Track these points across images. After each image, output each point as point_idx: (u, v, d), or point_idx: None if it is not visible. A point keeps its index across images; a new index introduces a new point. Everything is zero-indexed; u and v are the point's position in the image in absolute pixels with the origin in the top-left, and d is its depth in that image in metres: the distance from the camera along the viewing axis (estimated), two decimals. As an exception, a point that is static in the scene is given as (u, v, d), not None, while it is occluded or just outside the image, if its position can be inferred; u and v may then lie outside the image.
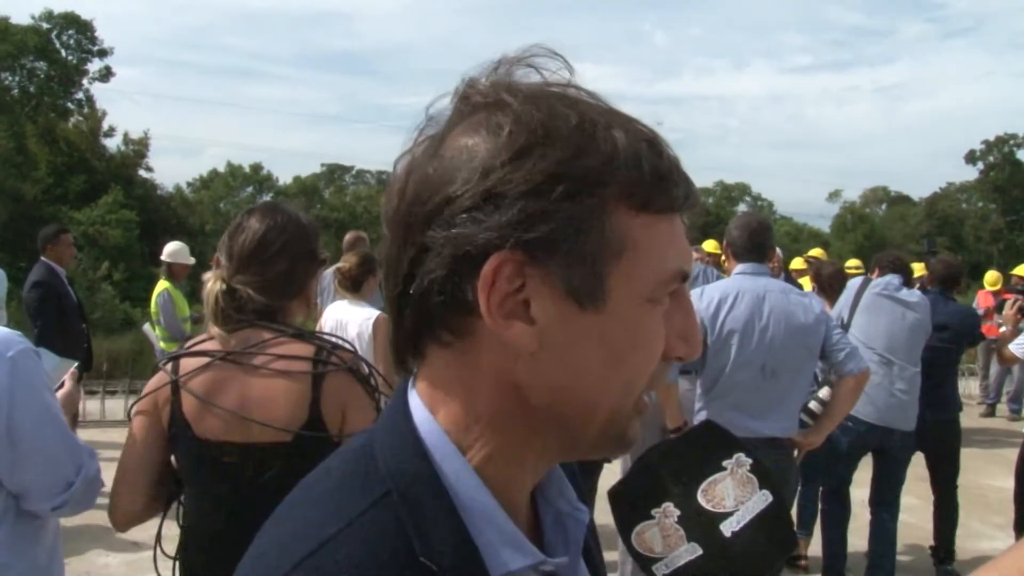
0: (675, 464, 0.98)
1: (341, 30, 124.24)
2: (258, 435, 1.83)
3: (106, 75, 41.82)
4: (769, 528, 0.94)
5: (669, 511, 0.95)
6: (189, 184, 55.31)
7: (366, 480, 0.70)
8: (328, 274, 5.80)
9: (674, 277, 0.71)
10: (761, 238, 3.72)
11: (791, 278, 8.06)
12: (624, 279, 0.68)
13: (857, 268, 8.45)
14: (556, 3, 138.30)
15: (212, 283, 1.96)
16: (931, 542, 5.34)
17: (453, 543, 0.67)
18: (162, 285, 7.67)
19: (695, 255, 6.41)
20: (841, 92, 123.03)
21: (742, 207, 66.22)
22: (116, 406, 9.50)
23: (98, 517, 6.31)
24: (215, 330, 1.92)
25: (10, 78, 38.74)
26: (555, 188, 0.65)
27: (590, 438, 0.73)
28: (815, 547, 5.15)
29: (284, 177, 59.33)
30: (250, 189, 56.18)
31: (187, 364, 1.91)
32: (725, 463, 0.98)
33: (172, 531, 2.02)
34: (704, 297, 3.60)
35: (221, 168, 56.22)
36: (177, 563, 1.99)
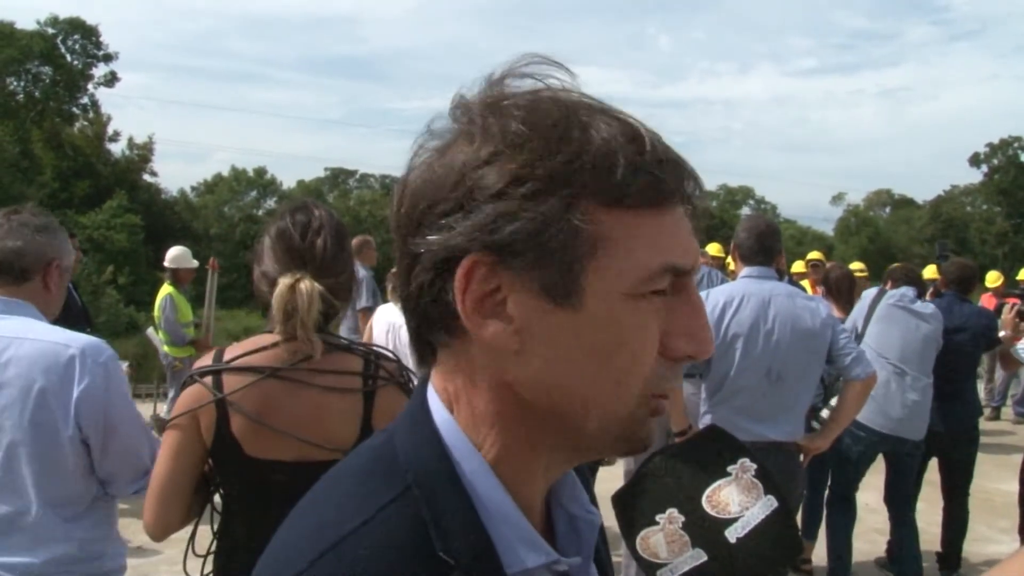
0: (679, 469, 0.97)
1: (345, 35, 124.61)
2: (310, 454, 1.76)
3: (111, 80, 42.01)
4: (774, 534, 0.94)
5: (673, 517, 0.94)
6: (193, 188, 55.49)
7: (387, 476, 0.72)
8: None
9: (659, 272, 0.69)
10: (768, 241, 3.70)
11: (793, 281, 8.04)
12: (599, 276, 0.68)
13: (861, 271, 8.40)
14: (560, 7, 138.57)
15: (305, 283, 1.79)
16: (937, 547, 5.32)
17: (470, 539, 0.69)
18: (166, 290, 7.69)
19: (699, 259, 6.41)
20: (846, 95, 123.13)
21: (746, 210, 66.21)
22: (120, 410, 9.51)
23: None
24: (263, 340, 1.83)
25: (15, 83, 38.90)
26: (519, 189, 0.66)
27: (592, 437, 0.73)
28: (820, 551, 5.14)
29: (288, 181, 59.50)
30: (254, 193, 56.32)
31: (232, 380, 1.80)
32: (729, 468, 0.97)
33: (182, 533, 1.98)
34: (709, 300, 3.59)
35: (225, 173, 56.38)
36: (207, 563, 1.94)
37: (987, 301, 9.64)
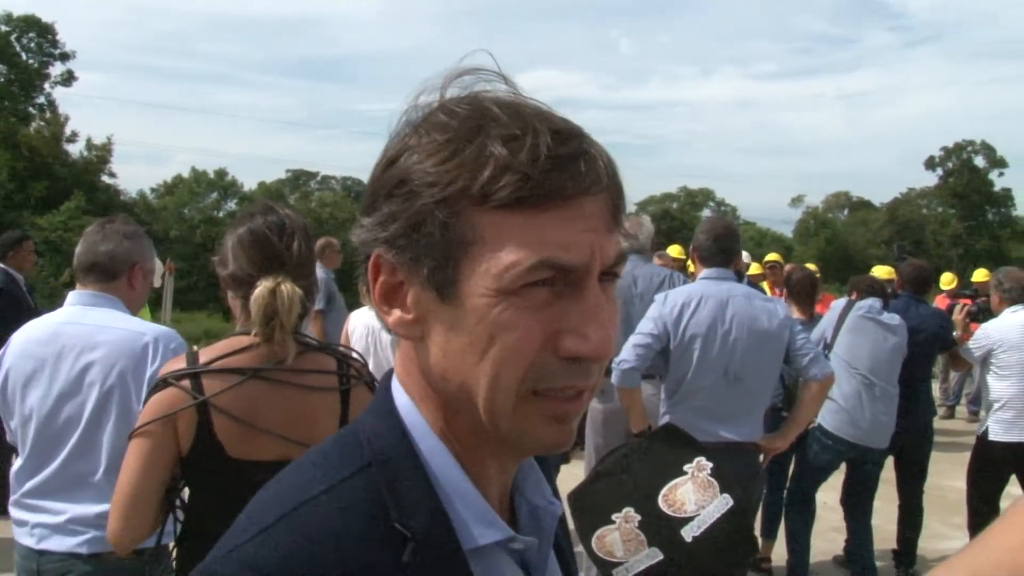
0: (635, 468, 0.98)
1: (310, 36, 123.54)
2: (292, 452, 1.74)
3: (68, 79, 41.21)
4: (730, 533, 0.95)
5: (630, 516, 0.95)
6: (153, 190, 54.69)
7: (349, 454, 0.76)
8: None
9: (531, 269, 0.68)
10: (726, 243, 3.75)
11: (751, 283, 8.13)
12: (472, 272, 0.70)
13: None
14: (524, 11, 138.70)
15: (287, 287, 1.81)
16: (894, 544, 5.41)
17: (427, 513, 0.72)
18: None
19: (659, 260, 6.44)
20: (806, 99, 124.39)
21: (706, 212, 66.74)
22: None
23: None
24: (238, 342, 1.83)
25: (-32, 82, 38.06)
26: (400, 191, 0.72)
27: (491, 430, 0.74)
28: (779, 550, 5.20)
29: (249, 183, 58.81)
30: (214, 195, 55.65)
31: (213, 383, 1.79)
32: (686, 467, 0.99)
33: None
34: (668, 301, 3.62)
35: (186, 174, 55.64)
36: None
37: (941, 302, 9.81)
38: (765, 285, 8.07)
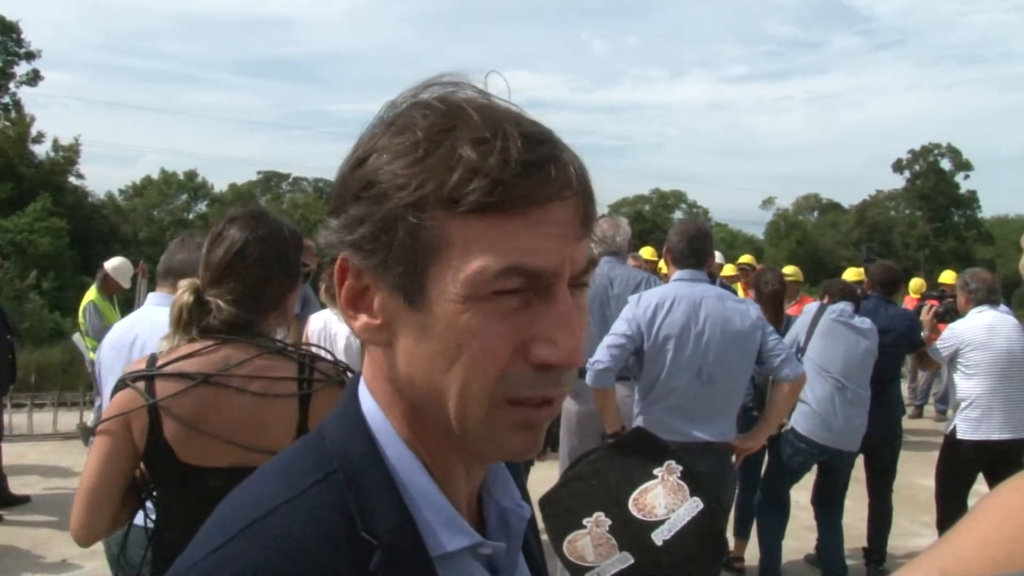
0: (606, 472, 0.98)
1: (279, 37, 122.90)
2: (245, 459, 1.75)
3: (34, 79, 40.72)
4: (700, 536, 0.95)
5: (601, 520, 0.95)
6: (122, 191, 54.15)
7: (313, 460, 0.75)
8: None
9: (499, 274, 0.67)
10: (699, 244, 3.77)
11: (724, 284, 8.16)
12: (440, 278, 0.69)
13: (792, 276, 8.38)
14: (494, 12, 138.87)
15: (182, 293, 1.89)
16: (864, 543, 5.46)
17: (394, 520, 0.71)
18: (90, 296, 7.46)
19: (632, 262, 6.46)
20: (775, 101, 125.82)
21: (678, 214, 67.18)
22: (44, 419, 9.19)
23: (22, 537, 6.12)
24: (195, 346, 1.84)
25: (-69, 81, 37.45)
26: (367, 193, 0.70)
27: (460, 437, 0.73)
28: (752, 549, 5.23)
29: (220, 184, 58.39)
30: (184, 196, 55.19)
31: (165, 386, 1.80)
32: (656, 471, 0.99)
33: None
34: (641, 303, 3.63)
35: (155, 175, 55.13)
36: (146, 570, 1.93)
37: (909, 303, 9.93)
38: (738, 287, 8.11)
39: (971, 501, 4.99)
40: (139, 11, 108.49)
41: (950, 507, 4.95)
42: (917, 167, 62.59)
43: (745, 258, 9.33)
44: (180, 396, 1.78)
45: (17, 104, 40.21)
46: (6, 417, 7.87)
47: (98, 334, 7.35)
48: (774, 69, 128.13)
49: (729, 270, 8.86)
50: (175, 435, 1.78)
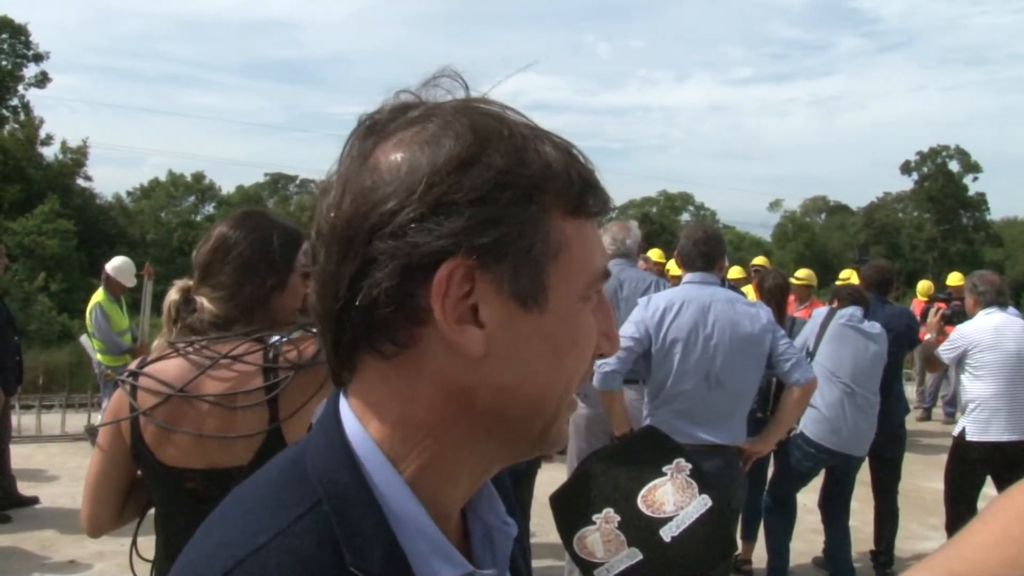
0: (616, 470, 0.99)
1: (285, 39, 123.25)
2: (218, 459, 1.78)
3: (42, 81, 40.92)
4: (707, 533, 0.95)
5: (610, 517, 0.95)
6: (129, 193, 54.32)
7: (296, 490, 0.71)
8: None
9: (600, 275, 0.75)
10: (708, 247, 3.76)
11: (732, 287, 8.14)
12: (561, 279, 0.71)
13: (800, 280, 8.29)
14: (499, 14, 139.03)
15: (171, 292, 1.94)
16: (871, 545, 5.45)
17: (383, 552, 0.68)
18: (96, 298, 7.49)
19: (642, 264, 6.47)
20: (780, 104, 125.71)
21: (686, 216, 67.18)
22: (53, 420, 9.23)
23: (30, 538, 6.14)
24: (174, 348, 1.87)
25: (-59, 84, 37.64)
26: (502, 195, 0.68)
27: (531, 437, 0.75)
28: (759, 551, 5.23)
29: (227, 186, 58.55)
30: (192, 199, 55.32)
31: (144, 396, 1.83)
32: (665, 468, 0.99)
33: (116, 545, 1.96)
34: (649, 306, 3.63)
35: (162, 178, 55.30)
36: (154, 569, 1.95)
37: (916, 306, 9.92)
38: (749, 289, 8.09)
39: (980, 504, 4.98)
40: (142, 14, 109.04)
41: (959, 510, 4.94)
42: (925, 169, 62.40)
43: (758, 260, 9.32)
44: (157, 405, 1.82)
45: (26, 106, 40.42)
46: (14, 419, 7.91)
47: (104, 336, 7.39)
48: (778, 71, 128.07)
49: (736, 272, 8.85)
50: (153, 437, 1.82)
